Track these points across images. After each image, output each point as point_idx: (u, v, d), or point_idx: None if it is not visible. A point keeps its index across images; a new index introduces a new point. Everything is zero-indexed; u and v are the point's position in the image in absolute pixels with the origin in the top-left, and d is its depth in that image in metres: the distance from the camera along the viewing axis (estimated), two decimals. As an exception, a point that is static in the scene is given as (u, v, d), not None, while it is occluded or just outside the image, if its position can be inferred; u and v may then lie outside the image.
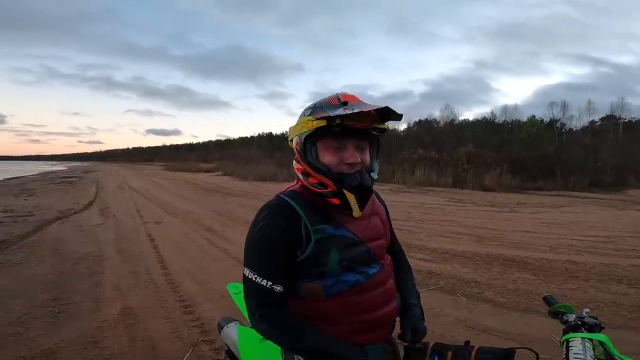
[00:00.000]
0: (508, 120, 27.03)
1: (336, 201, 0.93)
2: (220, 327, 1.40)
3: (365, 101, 0.96)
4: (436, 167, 17.82)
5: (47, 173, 32.08)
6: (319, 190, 0.95)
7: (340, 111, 0.88)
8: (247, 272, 0.95)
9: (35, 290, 3.41)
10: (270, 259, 0.93)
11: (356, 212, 0.94)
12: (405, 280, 1.14)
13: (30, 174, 29.63)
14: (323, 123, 0.90)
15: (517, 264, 4.26)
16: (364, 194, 0.93)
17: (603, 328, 0.90)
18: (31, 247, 5.09)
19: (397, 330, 1.03)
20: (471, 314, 2.93)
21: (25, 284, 3.55)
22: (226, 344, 1.37)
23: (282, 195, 1.00)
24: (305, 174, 0.97)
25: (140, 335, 2.56)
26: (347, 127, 0.89)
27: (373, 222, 1.05)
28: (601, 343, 0.83)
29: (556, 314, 1.03)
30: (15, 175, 27.45)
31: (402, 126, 30.16)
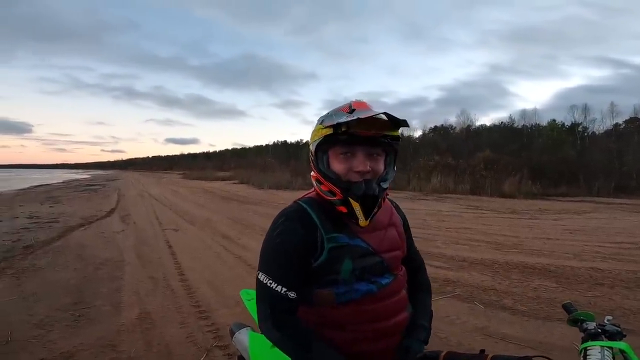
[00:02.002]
0: (527, 124, 26.36)
1: (343, 209, 0.93)
2: (232, 333, 1.39)
3: (375, 109, 0.95)
4: (453, 173, 17.48)
5: (71, 181, 33.22)
6: (329, 198, 0.95)
7: (344, 119, 0.89)
8: (261, 276, 0.94)
9: (58, 294, 3.52)
10: (287, 264, 0.93)
11: (362, 221, 0.93)
12: (421, 300, 1.12)
13: (55, 182, 30.76)
14: (330, 131, 0.91)
15: (538, 272, 4.13)
16: (369, 203, 0.92)
17: (625, 336, 0.86)
18: (56, 252, 5.27)
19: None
20: (489, 322, 2.85)
21: (49, 288, 3.67)
22: (238, 350, 1.37)
23: (299, 202, 1.01)
24: (318, 181, 0.98)
25: (156, 340, 2.60)
26: (355, 134, 0.90)
27: (389, 233, 1.04)
28: (622, 351, 0.79)
29: (575, 322, 0.99)
30: (42, 183, 28.60)
31: (417, 132, 29.87)
